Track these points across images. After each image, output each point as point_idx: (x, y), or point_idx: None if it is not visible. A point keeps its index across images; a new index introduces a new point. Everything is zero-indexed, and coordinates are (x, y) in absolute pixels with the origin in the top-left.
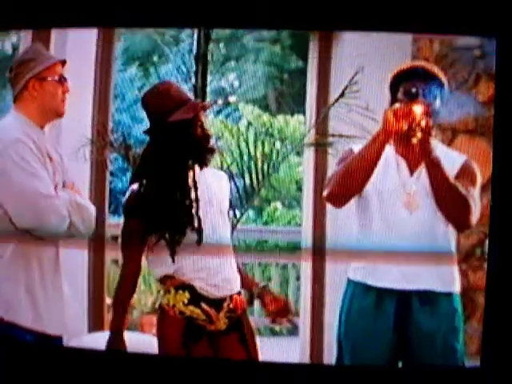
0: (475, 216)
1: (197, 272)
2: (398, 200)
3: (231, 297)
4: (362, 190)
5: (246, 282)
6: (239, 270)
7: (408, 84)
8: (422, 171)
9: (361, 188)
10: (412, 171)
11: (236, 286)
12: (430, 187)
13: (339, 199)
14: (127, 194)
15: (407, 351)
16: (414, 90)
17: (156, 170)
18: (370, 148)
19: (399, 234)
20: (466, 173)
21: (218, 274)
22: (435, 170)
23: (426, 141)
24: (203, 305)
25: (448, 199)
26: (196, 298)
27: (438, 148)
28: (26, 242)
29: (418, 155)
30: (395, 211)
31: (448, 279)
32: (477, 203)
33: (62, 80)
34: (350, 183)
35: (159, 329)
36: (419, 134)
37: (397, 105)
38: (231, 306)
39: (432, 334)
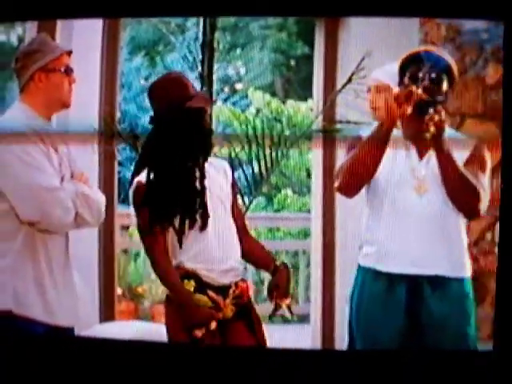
0: (485, 204)
1: (201, 260)
2: (407, 185)
3: (236, 283)
4: (372, 178)
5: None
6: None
7: (414, 68)
8: (431, 155)
9: (370, 177)
10: (421, 155)
11: (240, 272)
12: (442, 179)
13: (350, 190)
14: (134, 187)
15: (419, 336)
16: (419, 74)
17: (165, 158)
18: (377, 136)
19: (409, 219)
20: (476, 158)
21: (223, 262)
22: (447, 163)
23: (439, 135)
24: (210, 292)
25: (459, 190)
26: (202, 285)
27: (448, 133)
28: (33, 235)
29: (427, 140)
30: (405, 196)
31: (459, 264)
32: (487, 190)
33: (68, 71)
34: (359, 173)
35: (168, 318)
36: (432, 129)
37: (396, 89)
38: (237, 292)
39: (444, 318)
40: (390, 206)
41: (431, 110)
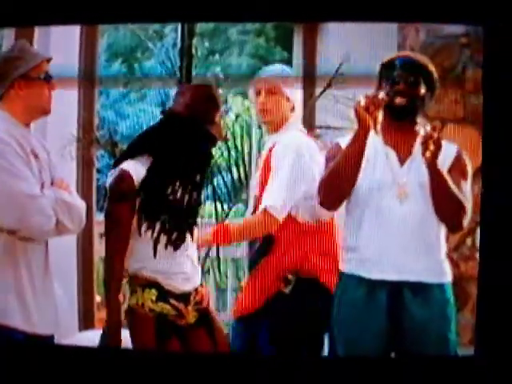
0: (468, 218)
1: (163, 270)
2: (388, 191)
3: (196, 289)
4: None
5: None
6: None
7: (392, 74)
8: (412, 161)
9: (351, 188)
10: (402, 162)
11: (198, 278)
12: (432, 197)
13: (333, 204)
14: (119, 174)
15: (400, 342)
16: (396, 79)
17: (170, 157)
18: (352, 147)
19: (390, 225)
20: (458, 166)
21: (181, 268)
22: (439, 181)
23: (436, 154)
24: (171, 300)
25: (448, 209)
26: (163, 294)
27: None
28: (13, 243)
29: (407, 145)
30: (385, 203)
31: (439, 270)
32: (469, 198)
33: (47, 78)
34: (339, 186)
35: (131, 330)
36: (432, 147)
37: (362, 99)
38: (197, 298)
39: (425, 324)
40: (370, 213)
41: (428, 128)
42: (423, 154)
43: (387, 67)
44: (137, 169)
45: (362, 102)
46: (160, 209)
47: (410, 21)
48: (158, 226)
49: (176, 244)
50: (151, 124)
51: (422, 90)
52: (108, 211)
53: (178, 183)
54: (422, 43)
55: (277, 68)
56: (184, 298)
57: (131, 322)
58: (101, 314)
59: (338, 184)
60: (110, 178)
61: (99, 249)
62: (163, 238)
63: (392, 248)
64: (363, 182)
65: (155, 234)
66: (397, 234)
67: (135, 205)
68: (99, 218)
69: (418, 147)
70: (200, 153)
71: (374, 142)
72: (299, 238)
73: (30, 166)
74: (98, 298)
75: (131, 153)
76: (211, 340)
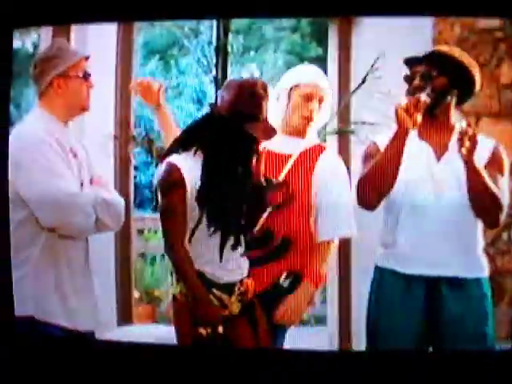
0: (504, 213)
1: (207, 261)
2: (425, 187)
3: (241, 281)
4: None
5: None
6: None
7: (423, 69)
8: (448, 157)
9: (390, 188)
10: (438, 157)
11: (246, 269)
12: (469, 193)
13: (372, 203)
14: (164, 170)
15: (437, 336)
16: (428, 74)
17: (221, 162)
18: (392, 149)
19: (427, 220)
20: (495, 161)
21: (229, 261)
22: (476, 178)
23: (473, 149)
24: (214, 290)
25: (484, 203)
26: (207, 284)
27: None
28: (54, 240)
29: (442, 140)
30: (423, 198)
31: (476, 265)
32: (506, 194)
33: (86, 76)
34: (379, 186)
35: (175, 319)
36: (468, 144)
37: (404, 100)
38: (242, 289)
39: (462, 318)
40: (407, 209)
41: (463, 124)
42: (459, 151)
43: (413, 63)
44: (182, 161)
45: (403, 104)
46: (220, 207)
47: (445, 15)
48: (218, 227)
49: (233, 245)
50: (198, 118)
51: (449, 84)
52: (162, 204)
53: (230, 178)
54: (457, 38)
55: (320, 72)
56: (228, 288)
57: (175, 311)
58: (139, 310)
59: (378, 185)
60: (157, 173)
61: (137, 245)
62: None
63: (429, 243)
64: (400, 179)
65: (218, 237)
66: (433, 229)
67: (186, 195)
68: (137, 214)
69: (453, 143)
70: (239, 152)
71: (410, 137)
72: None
73: (70, 165)
74: (136, 294)
75: (176, 148)
76: (253, 331)
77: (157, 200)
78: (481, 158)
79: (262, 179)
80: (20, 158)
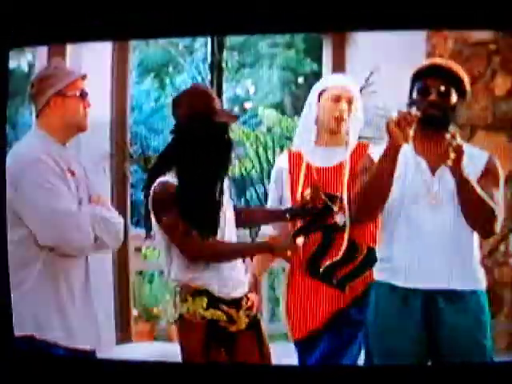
0: (500, 223)
1: (213, 277)
2: (420, 200)
3: (246, 295)
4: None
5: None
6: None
7: (422, 84)
8: (443, 170)
9: (385, 200)
10: (433, 171)
11: (247, 285)
12: (461, 205)
13: (368, 216)
14: (161, 186)
15: (436, 349)
16: (427, 89)
17: (193, 168)
18: (384, 163)
19: (423, 234)
20: (490, 173)
21: (232, 276)
22: (467, 188)
23: (460, 160)
24: (222, 306)
25: (478, 216)
26: (214, 300)
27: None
28: (53, 259)
29: (438, 154)
30: (418, 212)
31: (472, 277)
32: (501, 205)
33: (83, 95)
34: (373, 199)
35: (182, 338)
36: (453, 155)
37: (395, 114)
38: (249, 303)
39: (460, 331)
40: (403, 222)
41: (447, 136)
42: (445, 163)
43: (417, 77)
44: (172, 179)
45: (394, 118)
46: (200, 214)
47: (438, 28)
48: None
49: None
50: (167, 145)
51: (454, 99)
52: (167, 221)
53: (209, 185)
54: (451, 51)
55: (347, 78)
56: (235, 303)
57: (182, 330)
58: (138, 327)
59: (371, 199)
60: (152, 194)
61: (135, 263)
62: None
63: (425, 257)
64: (395, 192)
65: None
66: (429, 243)
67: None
68: (134, 232)
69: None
70: (216, 143)
71: (406, 151)
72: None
73: (68, 184)
74: (134, 312)
75: (159, 172)
76: (259, 346)
77: (150, 220)
78: (475, 171)
79: (324, 196)
80: (18, 178)
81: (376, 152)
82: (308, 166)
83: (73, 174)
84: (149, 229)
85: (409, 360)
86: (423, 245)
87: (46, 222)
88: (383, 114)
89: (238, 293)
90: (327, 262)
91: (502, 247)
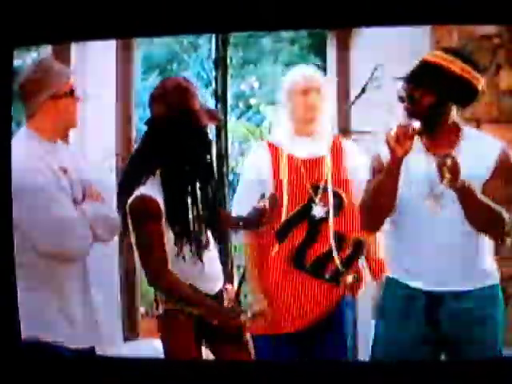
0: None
1: (194, 271)
2: (426, 202)
3: (225, 288)
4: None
5: None
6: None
7: (410, 87)
8: None
9: (389, 213)
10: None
11: (222, 278)
12: (466, 217)
13: (374, 227)
14: (139, 199)
15: (445, 346)
16: (401, 96)
17: (175, 174)
18: (387, 176)
19: (428, 234)
20: (501, 170)
21: (213, 271)
22: (468, 200)
23: (456, 178)
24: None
25: (483, 225)
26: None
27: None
28: (54, 264)
29: (445, 152)
30: (425, 212)
31: (480, 275)
32: None
33: (73, 92)
34: (378, 211)
35: (167, 334)
36: (448, 175)
37: (394, 127)
38: (229, 296)
39: (467, 328)
40: (410, 222)
41: (440, 157)
42: (441, 181)
43: (405, 81)
44: (152, 190)
45: (392, 132)
46: (184, 214)
47: (442, 23)
48: (182, 231)
49: (203, 246)
50: (141, 143)
51: (437, 100)
52: (140, 237)
53: (191, 183)
54: (456, 45)
55: (310, 69)
56: (218, 297)
57: (167, 326)
58: (145, 324)
59: (376, 210)
60: (129, 205)
61: None
62: (189, 243)
63: (430, 258)
64: (404, 192)
65: (181, 240)
66: (434, 243)
67: (163, 223)
68: None
69: (455, 154)
70: (194, 146)
71: (416, 149)
72: None
73: (61, 185)
74: (141, 309)
75: (139, 178)
76: (242, 338)
77: (125, 227)
78: (486, 163)
79: (309, 188)
80: (14, 190)
81: (384, 152)
82: (290, 158)
83: (65, 171)
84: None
85: (415, 356)
86: (428, 245)
87: (42, 231)
88: (387, 110)
89: (217, 286)
90: (314, 256)
91: (508, 241)
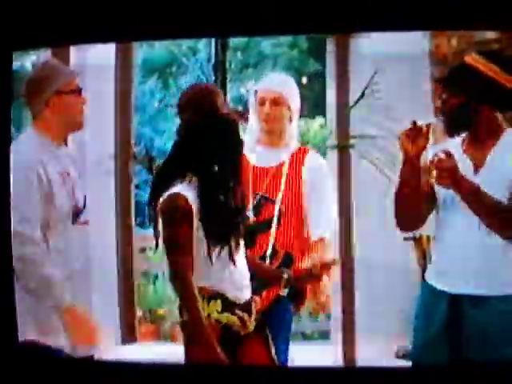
0: None
1: (225, 279)
2: (459, 201)
3: (253, 298)
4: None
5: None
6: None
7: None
8: (484, 171)
9: (420, 210)
10: (476, 170)
11: (251, 287)
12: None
13: (409, 227)
14: (173, 198)
15: (466, 349)
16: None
17: (211, 171)
18: (405, 175)
19: (457, 235)
20: None
21: (242, 278)
22: (476, 201)
23: (442, 178)
24: (237, 310)
25: (499, 223)
26: (228, 304)
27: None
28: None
29: (483, 153)
30: (454, 215)
31: (504, 282)
32: None
33: (79, 90)
34: (409, 212)
35: (193, 342)
36: (434, 173)
37: (409, 126)
38: (258, 307)
39: (486, 332)
40: (442, 224)
41: (435, 157)
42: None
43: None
44: (185, 191)
45: (404, 131)
46: (220, 215)
47: (442, 28)
48: (217, 239)
49: (234, 253)
50: (174, 149)
51: (460, 103)
52: (170, 236)
53: (226, 182)
54: (454, 51)
55: (279, 77)
56: (246, 307)
57: (191, 333)
58: (143, 328)
59: (407, 211)
60: (161, 204)
61: (139, 264)
62: (222, 250)
63: (456, 260)
64: (442, 193)
65: (214, 242)
66: (463, 244)
67: (193, 224)
68: (138, 233)
69: (492, 156)
70: (229, 142)
71: (457, 151)
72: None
73: (62, 189)
74: (139, 312)
75: (171, 180)
76: (266, 348)
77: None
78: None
79: (258, 196)
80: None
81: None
82: (246, 163)
83: (68, 173)
84: (158, 236)
85: (436, 356)
86: (457, 247)
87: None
88: (387, 114)
89: (246, 295)
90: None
91: None
